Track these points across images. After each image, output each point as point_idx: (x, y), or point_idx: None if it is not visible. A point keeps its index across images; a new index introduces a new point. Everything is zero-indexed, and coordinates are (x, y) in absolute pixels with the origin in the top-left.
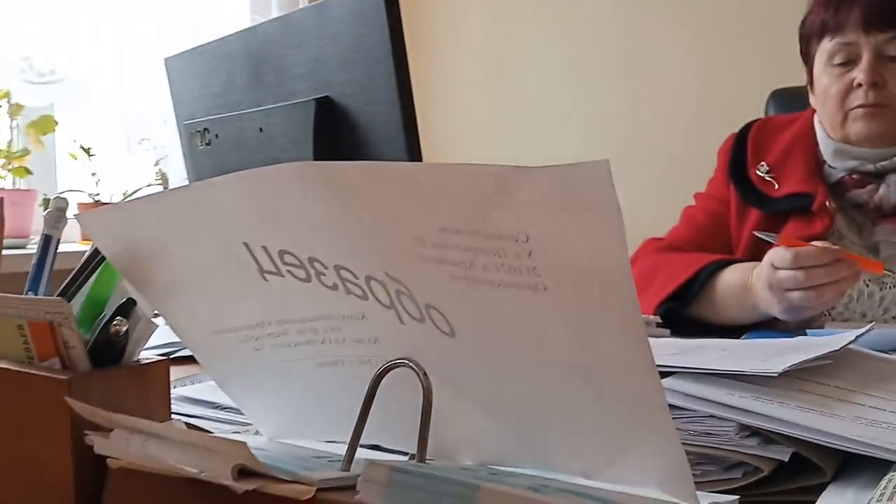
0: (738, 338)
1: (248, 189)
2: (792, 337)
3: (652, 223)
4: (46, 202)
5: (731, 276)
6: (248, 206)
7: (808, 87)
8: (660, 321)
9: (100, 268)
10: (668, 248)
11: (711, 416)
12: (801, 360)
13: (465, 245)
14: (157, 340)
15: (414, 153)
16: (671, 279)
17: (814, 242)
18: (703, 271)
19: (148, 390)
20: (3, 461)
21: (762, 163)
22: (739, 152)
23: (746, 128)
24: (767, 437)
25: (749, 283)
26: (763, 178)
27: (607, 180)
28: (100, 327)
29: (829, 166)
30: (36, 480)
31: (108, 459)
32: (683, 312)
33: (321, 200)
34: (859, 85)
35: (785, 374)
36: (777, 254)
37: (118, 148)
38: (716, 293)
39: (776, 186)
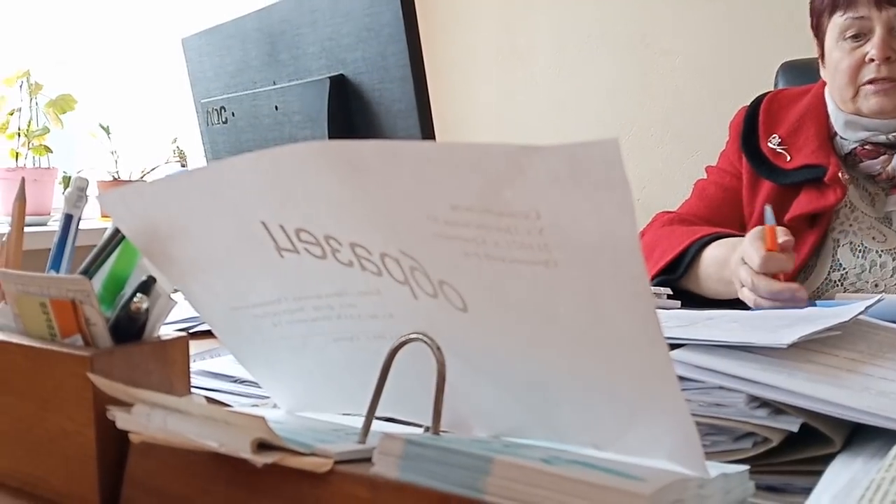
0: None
1: (264, 168)
2: (801, 308)
3: (664, 197)
4: (66, 180)
5: (715, 251)
6: (266, 185)
7: (819, 61)
8: (671, 293)
9: (120, 246)
10: (677, 221)
11: (721, 387)
12: (810, 331)
13: (477, 222)
14: (177, 315)
15: (427, 130)
16: (666, 252)
17: (781, 232)
18: (694, 245)
19: (168, 366)
20: (28, 435)
21: (774, 135)
22: (751, 125)
23: (758, 100)
24: (777, 408)
25: (729, 259)
26: (775, 150)
27: (617, 159)
28: (121, 304)
29: (841, 138)
30: (60, 454)
31: (130, 434)
32: (676, 285)
33: (336, 179)
34: (871, 60)
35: (794, 346)
36: (747, 250)
37: (136, 125)
38: (702, 266)
39: (788, 158)
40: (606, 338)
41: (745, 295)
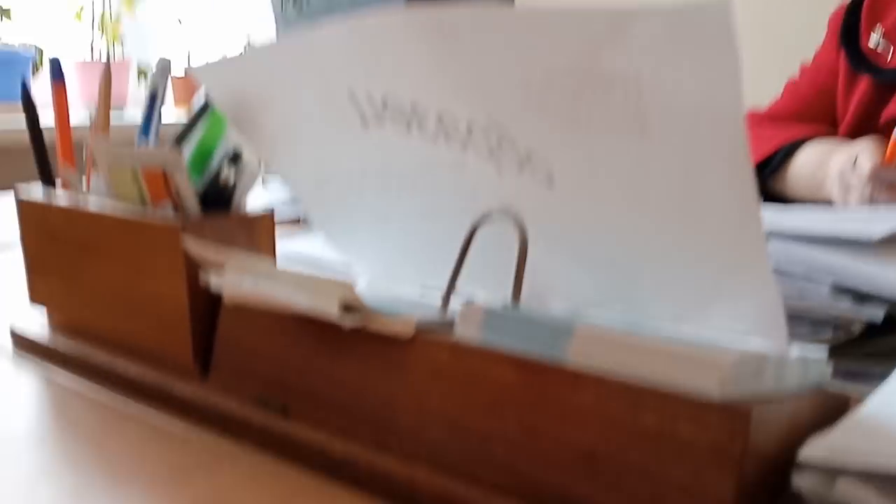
0: None
1: (351, 35)
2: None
3: (754, 95)
4: (141, 72)
5: (809, 153)
6: (352, 53)
7: None
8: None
9: (208, 117)
10: (767, 120)
11: (805, 276)
12: None
13: (572, 89)
14: (260, 202)
15: None
16: (754, 153)
17: None
18: (784, 148)
19: (255, 238)
20: (124, 299)
21: (878, 24)
22: (852, 19)
23: None
24: (861, 298)
25: (825, 161)
26: (875, 49)
27: (727, 20)
28: (209, 176)
29: None
30: (156, 318)
31: (222, 296)
32: (763, 186)
33: (425, 45)
34: None
35: (884, 241)
36: (861, 158)
37: (209, 17)
38: (792, 168)
39: (889, 57)
40: (700, 211)
41: (851, 200)
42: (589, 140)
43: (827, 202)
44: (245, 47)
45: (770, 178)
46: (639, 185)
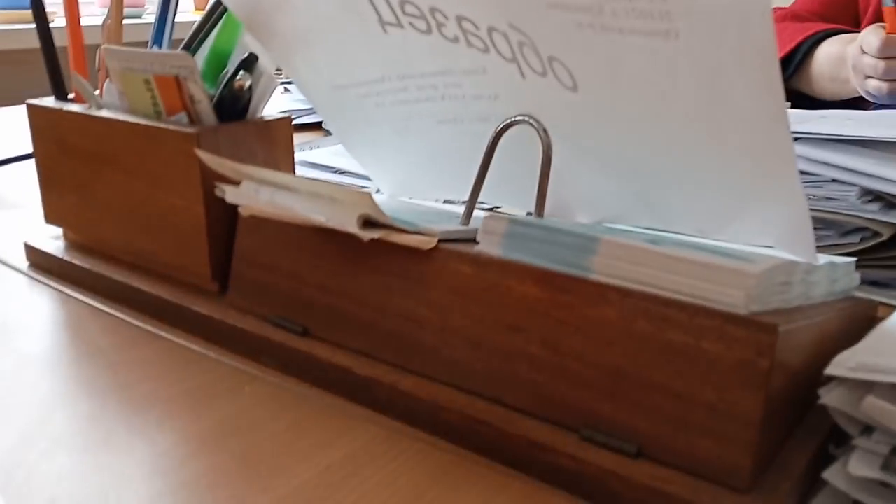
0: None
1: None
2: None
3: None
4: None
5: (829, 48)
6: None
7: None
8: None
9: (222, 20)
10: (790, 17)
11: (833, 180)
12: None
13: None
14: (278, 108)
15: None
16: (780, 50)
17: None
18: (806, 42)
19: (273, 146)
20: (139, 212)
21: None
22: None
23: None
24: (890, 202)
25: (845, 55)
26: None
27: None
28: (224, 82)
29: None
30: (172, 230)
31: (238, 208)
32: (787, 86)
33: None
34: None
35: None
36: (867, 37)
37: None
38: (814, 64)
39: None
40: (726, 115)
41: (872, 85)
42: (613, 42)
43: (855, 100)
44: None
45: (794, 77)
46: (664, 89)
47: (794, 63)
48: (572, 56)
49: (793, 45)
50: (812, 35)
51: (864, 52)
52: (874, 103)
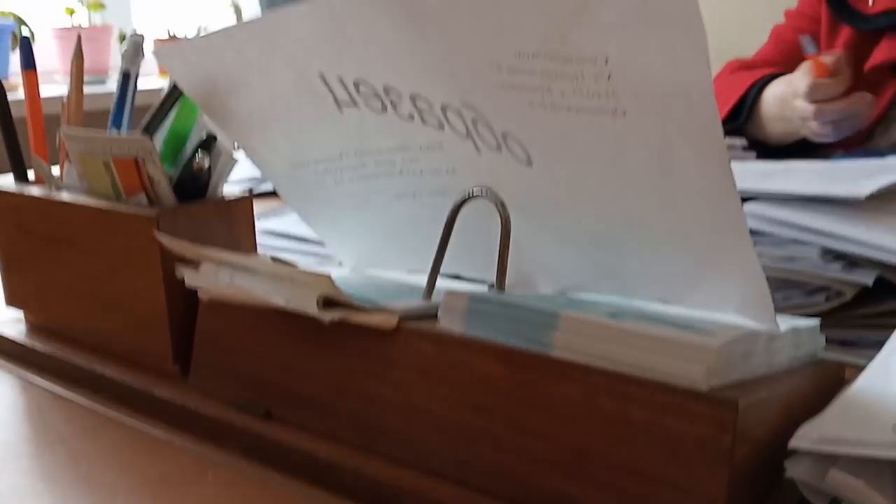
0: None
1: (320, 17)
2: (884, 157)
3: (740, 43)
4: (122, 37)
5: (774, 89)
6: (322, 35)
7: None
8: (745, 144)
9: (179, 103)
10: (745, 67)
11: (795, 240)
12: (890, 182)
13: (543, 69)
14: (239, 176)
15: None
16: (729, 99)
17: (828, 56)
18: (753, 87)
19: (233, 224)
20: (100, 295)
21: None
22: None
23: None
24: (851, 261)
25: (787, 95)
26: None
27: None
28: (183, 163)
29: None
30: (133, 312)
31: (199, 291)
32: (744, 134)
33: (394, 25)
34: None
35: (873, 197)
36: (796, 82)
37: None
38: (763, 107)
39: (870, 3)
40: (676, 189)
41: (809, 128)
42: (564, 119)
43: (802, 140)
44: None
45: (747, 124)
46: (616, 164)
47: (745, 109)
48: (525, 132)
49: (741, 92)
50: (758, 80)
51: (796, 96)
52: (838, 153)
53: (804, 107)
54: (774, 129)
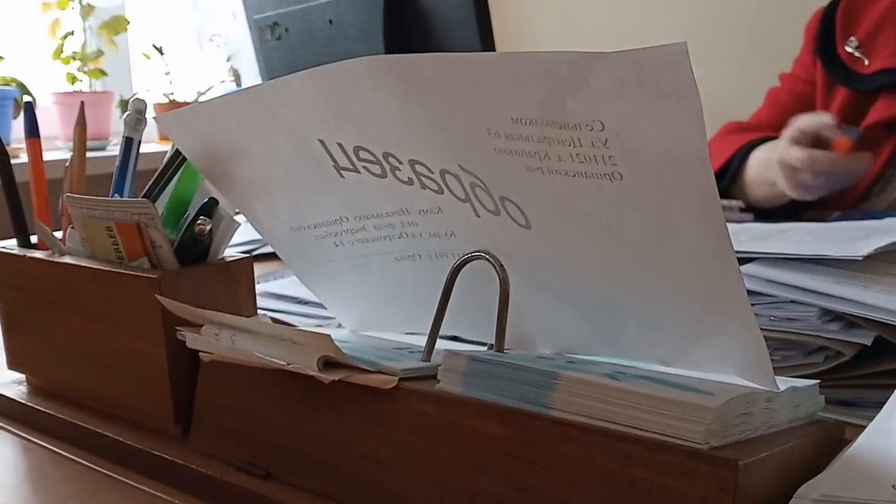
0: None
1: (320, 85)
2: (880, 219)
3: (736, 106)
4: (123, 103)
5: (760, 154)
6: (322, 103)
7: None
8: (742, 206)
9: (181, 168)
10: (738, 130)
11: (793, 301)
12: (887, 242)
13: (539, 135)
14: (240, 238)
15: (486, 40)
16: (717, 162)
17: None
18: (739, 151)
19: (234, 287)
20: (102, 357)
21: (851, 38)
22: (827, 27)
23: (835, 1)
24: (850, 322)
25: (772, 159)
26: (852, 54)
27: (685, 64)
28: (184, 227)
29: None
30: (133, 375)
31: (200, 353)
32: (726, 195)
33: (393, 94)
34: None
35: (870, 258)
36: (780, 146)
37: (190, 45)
38: (748, 170)
39: (866, 63)
40: (674, 252)
41: (801, 179)
42: (561, 183)
43: (786, 203)
44: (203, 96)
45: (731, 187)
46: (613, 227)
47: (731, 172)
48: (523, 196)
49: (728, 155)
50: (745, 144)
51: (790, 145)
52: (834, 214)
53: (796, 154)
54: (757, 193)
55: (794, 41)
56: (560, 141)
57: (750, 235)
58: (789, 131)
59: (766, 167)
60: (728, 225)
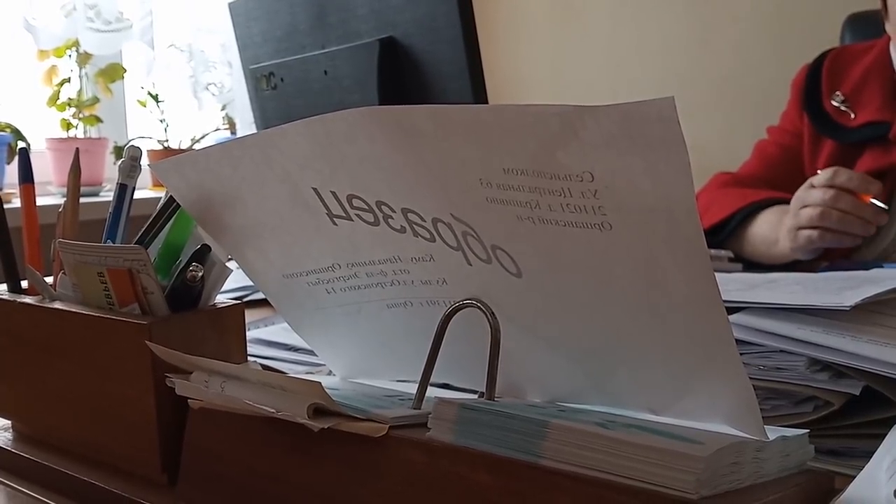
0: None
1: (315, 134)
2: (867, 269)
3: (724, 158)
4: (117, 150)
5: (770, 216)
6: (316, 152)
7: (883, 14)
8: (731, 256)
9: (175, 215)
10: (734, 182)
11: (781, 350)
12: (874, 292)
13: (531, 186)
14: (231, 284)
15: (478, 93)
16: (716, 215)
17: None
18: (741, 211)
19: (224, 333)
20: (90, 403)
21: (837, 92)
22: (813, 83)
23: (821, 57)
24: (839, 371)
25: (783, 221)
26: (838, 108)
27: (673, 118)
28: (177, 273)
29: None
30: (122, 421)
31: (188, 400)
32: (721, 248)
33: (387, 144)
34: None
35: (858, 308)
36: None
37: (185, 94)
38: (752, 228)
39: (852, 116)
40: (663, 301)
41: (804, 235)
42: (552, 232)
43: (781, 263)
44: (198, 143)
45: (727, 241)
46: (603, 276)
47: (729, 229)
48: (514, 245)
49: (730, 211)
50: (749, 204)
51: (812, 186)
52: (822, 264)
53: (819, 195)
54: (756, 251)
55: (780, 95)
56: (551, 191)
57: (738, 285)
58: (807, 184)
59: (775, 227)
60: (717, 275)
